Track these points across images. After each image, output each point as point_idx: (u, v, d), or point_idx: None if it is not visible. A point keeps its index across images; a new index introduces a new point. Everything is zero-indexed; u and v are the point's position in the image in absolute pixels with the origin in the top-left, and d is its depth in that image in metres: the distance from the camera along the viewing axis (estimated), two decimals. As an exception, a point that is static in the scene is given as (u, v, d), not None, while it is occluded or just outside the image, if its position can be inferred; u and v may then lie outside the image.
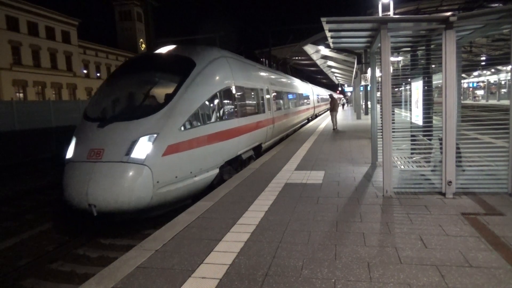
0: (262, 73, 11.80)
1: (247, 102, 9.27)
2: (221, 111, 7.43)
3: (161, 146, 5.61)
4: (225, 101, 7.72)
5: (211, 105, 7.06)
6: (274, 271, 3.11)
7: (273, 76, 13.68)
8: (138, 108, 6.47)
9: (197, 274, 3.14)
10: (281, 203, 5.13)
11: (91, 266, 4.87)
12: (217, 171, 7.04)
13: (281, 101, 13.90)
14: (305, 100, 21.78)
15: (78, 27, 47.64)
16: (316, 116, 28.83)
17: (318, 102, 30.02)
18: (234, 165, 8.13)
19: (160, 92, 6.64)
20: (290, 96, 16.11)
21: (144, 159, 5.40)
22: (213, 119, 7.00)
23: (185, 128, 6.07)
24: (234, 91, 8.18)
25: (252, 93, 10.04)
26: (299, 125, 18.94)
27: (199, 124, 6.46)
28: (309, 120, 23.87)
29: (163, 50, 7.79)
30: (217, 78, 7.45)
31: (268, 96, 11.56)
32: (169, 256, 3.52)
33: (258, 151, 10.18)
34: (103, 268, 3.42)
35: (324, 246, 3.59)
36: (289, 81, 17.48)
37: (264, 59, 35.60)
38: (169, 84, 6.67)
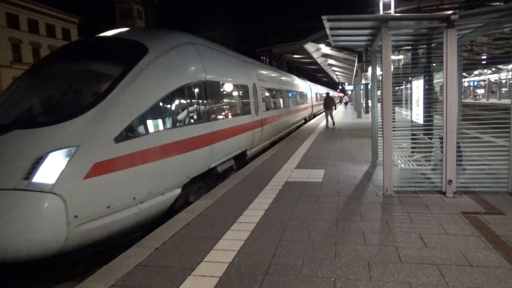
0: (248, 67, 9.94)
1: (224, 101, 7.59)
2: (185, 113, 5.81)
3: (83, 165, 3.96)
4: (192, 100, 6.08)
5: (169, 105, 5.45)
6: (274, 270, 3.12)
7: (262, 71, 11.74)
8: (53, 110, 4.83)
9: (197, 272, 3.14)
10: (281, 201, 5.13)
11: (92, 264, 4.87)
12: (178, 192, 5.50)
13: (272, 100, 12.38)
14: (302, 99, 20.21)
15: (79, 25, 47.62)
16: (314, 115, 28.05)
17: (317, 100, 28.86)
18: (208, 180, 6.76)
19: (91, 88, 5.05)
20: (283, 94, 14.57)
21: (54, 185, 3.72)
22: (171, 124, 5.39)
23: (125, 137, 4.42)
24: (205, 88, 6.50)
25: (233, 91, 8.32)
26: (295, 126, 17.60)
27: (148, 131, 4.85)
28: (306, 120, 22.97)
29: (109, 33, 6.12)
30: (180, 70, 5.83)
31: (255, 94, 9.95)
32: (169, 254, 3.52)
33: (243, 159, 8.79)
34: (103, 266, 3.43)
35: (324, 244, 3.59)
36: (282, 77, 15.72)
37: (264, 58, 35.58)
38: (106, 76, 4.99)
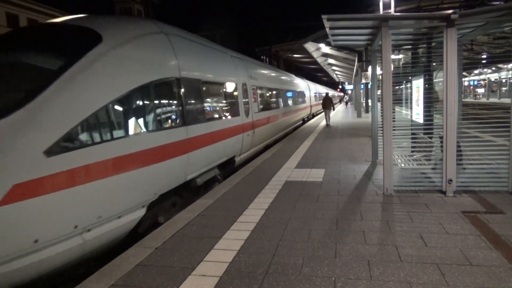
0: (237, 63, 8.82)
1: (205, 101, 6.45)
2: (151, 117, 4.78)
3: None
4: (161, 101, 5.06)
5: (129, 107, 4.40)
6: (274, 269, 3.12)
7: (254, 68, 10.59)
8: None
9: (197, 272, 3.14)
10: (282, 201, 5.13)
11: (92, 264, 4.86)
12: (141, 213, 4.53)
13: (265, 100, 11.34)
14: (300, 99, 19.09)
15: (78, 25, 47.67)
16: (313, 115, 27.26)
17: (316, 100, 27.62)
18: (185, 194, 5.86)
19: (19, 85, 3.92)
20: (278, 94, 13.62)
21: None
22: (131, 130, 4.35)
23: (61, 149, 3.45)
24: (180, 86, 5.47)
25: (217, 90, 7.29)
26: (292, 127, 16.66)
27: (97, 140, 3.82)
28: (304, 121, 22.24)
29: (60, 19, 5.00)
30: (146, 63, 4.77)
31: (245, 94, 8.91)
32: (169, 254, 3.52)
33: (230, 166, 7.88)
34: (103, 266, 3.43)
35: (324, 244, 3.60)
36: (277, 76, 14.61)
37: (264, 57, 35.58)
38: (41, 71, 4.00)
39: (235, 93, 8.22)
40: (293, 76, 20.34)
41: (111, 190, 3.95)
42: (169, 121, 5.24)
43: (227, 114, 7.49)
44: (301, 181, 6.23)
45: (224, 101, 7.56)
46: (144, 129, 4.61)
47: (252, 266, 3.19)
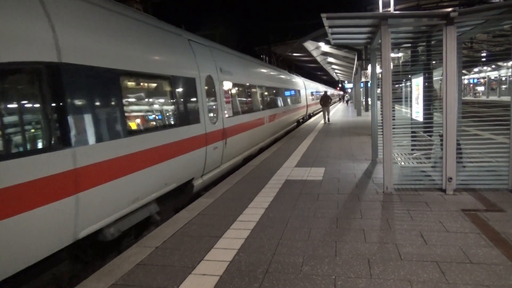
0: (200, 51, 6.53)
1: (129, 104, 4.30)
2: None
3: None
4: (7, 104, 2.90)
5: None
6: (275, 268, 3.12)
7: (227, 60, 8.18)
8: None
9: (197, 271, 3.14)
10: (282, 199, 5.13)
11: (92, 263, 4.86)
12: None
13: (245, 101, 9.05)
14: (294, 98, 16.87)
15: (78, 24, 47.48)
16: (310, 116, 25.48)
17: (312, 100, 25.42)
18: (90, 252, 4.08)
19: None
20: (265, 93, 11.39)
21: None
22: None
23: None
24: (57, 78, 3.19)
25: (158, 86, 5.07)
26: (284, 130, 14.52)
27: None
28: (299, 123, 20.27)
29: None
30: None
31: (212, 92, 6.77)
32: (170, 253, 3.52)
33: (188, 193, 5.89)
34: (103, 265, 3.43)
35: (324, 242, 3.60)
36: (263, 70, 12.03)
37: (264, 56, 35.53)
38: None
39: (194, 92, 5.92)
40: (285, 72, 18.20)
41: None
42: (24, 142, 2.96)
43: (174, 122, 5.23)
44: (301, 180, 6.23)
45: (170, 103, 5.27)
46: None
47: (252, 265, 3.20)
